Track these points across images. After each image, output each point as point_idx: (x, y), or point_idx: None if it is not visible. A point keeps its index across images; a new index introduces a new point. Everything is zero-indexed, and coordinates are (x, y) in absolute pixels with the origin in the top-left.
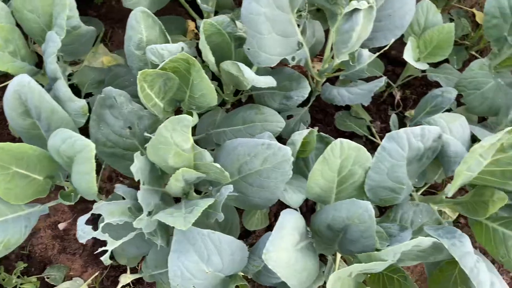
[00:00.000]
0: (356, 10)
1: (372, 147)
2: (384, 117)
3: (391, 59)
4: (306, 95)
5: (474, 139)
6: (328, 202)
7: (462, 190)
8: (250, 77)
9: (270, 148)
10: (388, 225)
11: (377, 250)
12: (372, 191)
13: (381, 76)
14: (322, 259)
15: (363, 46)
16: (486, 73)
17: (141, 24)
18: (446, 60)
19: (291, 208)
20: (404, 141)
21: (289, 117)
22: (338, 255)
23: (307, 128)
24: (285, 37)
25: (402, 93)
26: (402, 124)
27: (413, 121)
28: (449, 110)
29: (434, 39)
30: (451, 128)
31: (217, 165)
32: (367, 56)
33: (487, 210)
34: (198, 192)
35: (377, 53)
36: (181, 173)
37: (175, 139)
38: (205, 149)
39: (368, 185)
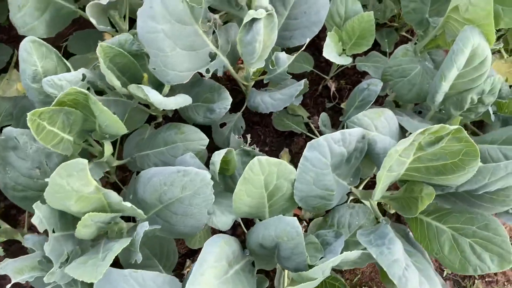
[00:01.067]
0: (255, 19)
1: None
2: (322, 111)
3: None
4: (228, 107)
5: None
6: (263, 216)
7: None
8: (157, 101)
9: (187, 175)
10: (324, 232)
11: (310, 265)
12: (303, 201)
13: (311, 71)
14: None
15: (283, 46)
16: (411, 58)
17: (33, 55)
18: (378, 44)
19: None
20: (325, 149)
21: (222, 125)
22: None
23: (242, 134)
24: (193, 51)
25: (337, 84)
26: (338, 117)
27: (345, 116)
28: (385, 96)
29: (356, 29)
30: (376, 124)
31: (127, 204)
32: (286, 59)
33: (417, 207)
34: (134, 219)
35: (295, 54)
36: (88, 218)
37: (72, 185)
38: (134, 172)
39: (297, 196)
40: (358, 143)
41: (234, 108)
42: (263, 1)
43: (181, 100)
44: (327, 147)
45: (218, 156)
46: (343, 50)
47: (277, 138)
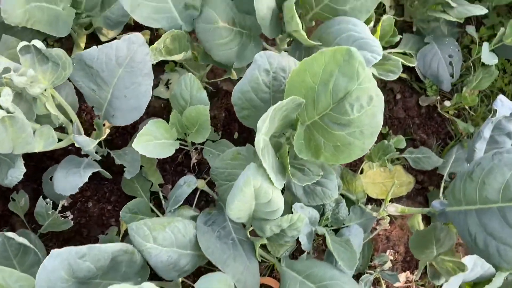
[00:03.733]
0: None
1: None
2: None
3: None
4: (20, 177)
5: None
6: None
7: None
8: None
9: None
10: None
11: None
12: None
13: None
14: None
15: (109, 121)
16: (241, 163)
17: None
18: None
19: None
20: (65, 262)
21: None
22: None
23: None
24: None
25: (201, 156)
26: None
27: (167, 206)
28: None
29: (194, 118)
30: (156, 236)
31: None
32: (88, 141)
33: None
34: None
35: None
36: None
37: None
38: None
39: None
40: (121, 256)
41: None
42: (6, 102)
43: None
44: (66, 261)
45: None
46: (185, 134)
47: (124, 198)
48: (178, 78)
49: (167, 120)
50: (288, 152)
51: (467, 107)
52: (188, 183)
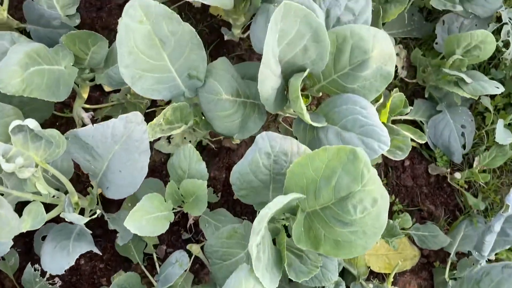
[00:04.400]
0: None
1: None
2: (175, 241)
3: None
4: (7, 250)
5: None
6: None
7: None
8: None
9: None
10: None
11: None
12: None
13: None
14: None
15: (103, 191)
16: (238, 242)
17: None
18: None
19: None
20: None
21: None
22: None
23: None
24: None
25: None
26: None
27: (157, 280)
28: None
29: (191, 191)
30: None
31: None
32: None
33: None
34: None
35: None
36: None
37: None
38: None
39: None
40: None
41: None
42: None
43: None
44: None
45: None
46: (183, 202)
47: (117, 256)
48: (181, 134)
49: (166, 176)
50: (286, 235)
51: None
52: (181, 263)
